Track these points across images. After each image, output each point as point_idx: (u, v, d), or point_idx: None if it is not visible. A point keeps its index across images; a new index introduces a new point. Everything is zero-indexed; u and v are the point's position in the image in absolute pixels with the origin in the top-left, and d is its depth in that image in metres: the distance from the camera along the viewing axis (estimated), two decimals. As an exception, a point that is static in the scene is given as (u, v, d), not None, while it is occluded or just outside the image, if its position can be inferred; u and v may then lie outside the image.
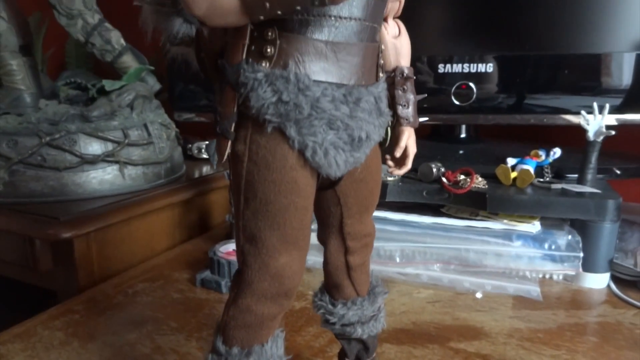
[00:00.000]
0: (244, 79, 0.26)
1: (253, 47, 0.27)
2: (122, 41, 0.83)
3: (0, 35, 0.70)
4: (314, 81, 0.26)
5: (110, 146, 0.68)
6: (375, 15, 0.28)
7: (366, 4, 0.27)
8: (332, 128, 0.27)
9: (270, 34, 0.26)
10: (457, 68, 0.77)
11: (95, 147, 0.67)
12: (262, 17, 0.25)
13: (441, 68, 0.78)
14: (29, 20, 1.12)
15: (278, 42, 0.26)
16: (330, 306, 0.35)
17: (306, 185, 0.28)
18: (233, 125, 0.27)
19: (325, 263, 0.35)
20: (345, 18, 0.26)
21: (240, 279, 0.30)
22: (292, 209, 0.28)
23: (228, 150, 0.28)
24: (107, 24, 0.82)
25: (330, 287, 0.36)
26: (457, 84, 0.78)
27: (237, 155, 0.28)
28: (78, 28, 0.80)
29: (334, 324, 0.36)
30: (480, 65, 0.77)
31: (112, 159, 0.68)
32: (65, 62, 1.39)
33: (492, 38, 0.77)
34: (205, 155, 0.93)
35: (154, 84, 0.83)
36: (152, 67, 0.83)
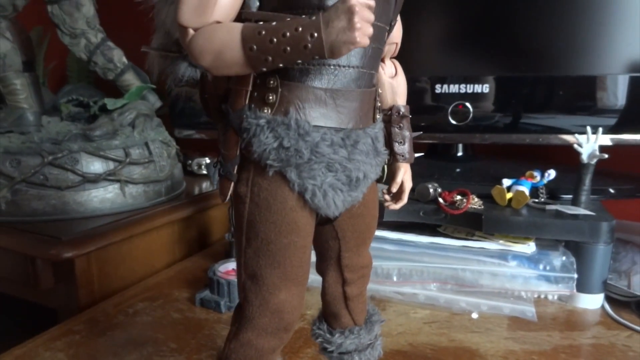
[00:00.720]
0: (246, 124, 0.28)
1: (255, 94, 0.28)
2: (124, 59, 0.84)
3: (5, 56, 0.71)
4: (314, 126, 0.28)
5: (111, 165, 0.69)
6: (372, 63, 0.29)
7: (364, 53, 0.28)
8: (330, 170, 0.28)
9: (272, 82, 0.28)
10: (453, 88, 0.79)
11: (97, 166, 0.68)
12: (264, 69, 0.26)
13: (438, 88, 0.79)
14: (30, 34, 1.14)
15: (280, 89, 0.28)
16: (328, 335, 0.36)
17: (305, 225, 0.29)
18: (236, 167, 0.29)
19: (323, 293, 0.36)
20: (343, 66, 0.28)
21: (241, 314, 0.30)
22: (292, 248, 0.29)
23: (230, 191, 0.29)
24: (110, 43, 0.84)
25: (328, 316, 0.37)
26: (454, 104, 0.79)
27: (240, 197, 0.29)
28: (81, 47, 0.81)
29: (331, 352, 0.36)
30: (476, 85, 0.78)
31: (114, 177, 0.69)
32: (66, 76, 1.40)
33: (488, 59, 0.79)
34: (205, 172, 0.94)
35: (155, 102, 0.84)
36: (154, 86, 0.84)
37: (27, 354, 0.49)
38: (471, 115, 0.79)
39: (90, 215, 0.67)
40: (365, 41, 0.24)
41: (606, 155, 0.60)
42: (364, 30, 0.24)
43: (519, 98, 0.78)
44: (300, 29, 0.25)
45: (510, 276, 0.61)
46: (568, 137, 0.76)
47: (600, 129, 0.61)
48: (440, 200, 0.65)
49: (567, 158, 0.83)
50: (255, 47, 0.25)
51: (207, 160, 0.92)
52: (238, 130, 0.28)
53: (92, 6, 0.81)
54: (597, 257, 0.59)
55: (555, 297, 0.62)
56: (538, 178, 0.66)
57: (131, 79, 0.84)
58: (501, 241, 0.63)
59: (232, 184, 0.29)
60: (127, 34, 1.05)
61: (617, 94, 0.74)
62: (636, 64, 0.72)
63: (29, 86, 0.80)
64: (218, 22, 0.26)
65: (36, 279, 0.62)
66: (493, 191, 0.65)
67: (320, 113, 0.28)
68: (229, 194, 0.29)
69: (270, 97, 0.28)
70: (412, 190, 0.69)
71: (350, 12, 0.24)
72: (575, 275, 0.59)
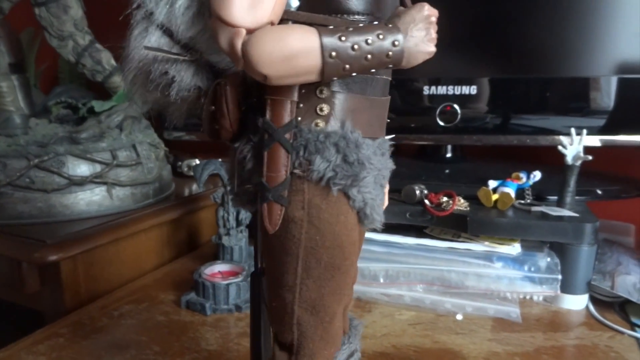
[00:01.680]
0: (302, 141, 0.25)
1: (302, 105, 0.26)
2: (113, 62, 0.84)
3: (-9, 58, 0.71)
4: (362, 138, 0.26)
5: (98, 167, 0.69)
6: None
7: None
8: (375, 182, 0.27)
9: (324, 91, 0.26)
10: (442, 90, 0.79)
11: (83, 169, 0.68)
12: (335, 78, 0.24)
13: (426, 90, 0.79)
14: (21, 35, 1.13)
15: (332, 100, 0.26)
16: None
17: (358, 242, 0.29)
18: (287, 190, 0.26)
19: None
20: (377, 75, 0.27)
21: (298, 354, 0.28)
22: (353, 269, 0.28)
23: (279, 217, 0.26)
24: (98, 45, 0.83)
25: None
26: (442, 105, 0.79)
27: (294, 222, 0.26)
28: (69, 49, 0.81)
29: None
30: (464, 87, 0.78)
31: (100, 180, 0.69)
32: (58, 77, 1.40)
33: (477, 61, 0.79)
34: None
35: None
36: (142, 88, 0.84)
37: (9, 358, 0.49)
38: (459, 116, 0.79)
39: (77, 218, 0.67)
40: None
41: (590, 157, 0.61)
42: (436, 41, 0.24)
43: (506, 99, 0.79)
44: (381, 36, 0.24)
45: (496, 277, 0.61)
46: (556, 138, 0.77)
47: (585, 131, 0.61)
48: (427, 202, 0.65)
49: (555, 159, 0.83)
50: (335, 53, 0.23)
51: (197, 162, 0.92)
52: (288, 147, 0.25)
53: (79, 8, 0.81)
54: (581, 258, 0.59)
55: (541, 298, 0.62)
56: (524, 179, 0.66)
57: (119, 81, 0.84)
58: (487, 242, 0.63)
59: (283, 209, 0.26)
60: (116, 36, 1.05)
61: (605, 95, 0.75)
62: (624, 65, 0.72)
63: (17, 88, 0.80)
64: (272, 23, 0.23)
65: (22, 282, 0.62)
66: (479, 193, 0.65)
67: (365, 123, 0.27)
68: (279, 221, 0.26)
69: (324, 109, 0.26)
70: (399, 191, 0.69)
71: (428, 22, 0.24)
72: (560, 277, 0.59)
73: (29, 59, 1.26)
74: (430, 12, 0.24)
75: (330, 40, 0.23)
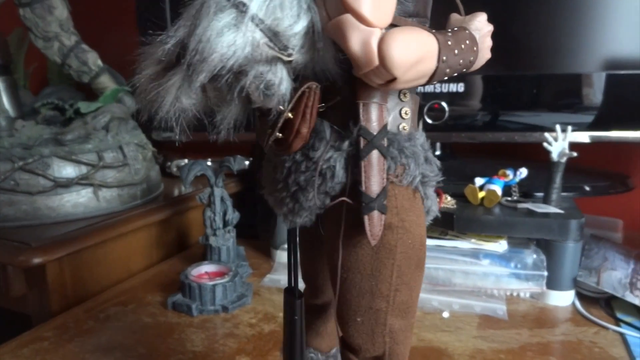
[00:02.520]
0: (397, 145, 0.25)
1: (388, 109, 0.25)
2: (99, 62, 0.84)
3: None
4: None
5: (84, 169, 0.68)
6: None
7: None
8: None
9: (406, 95, 0.26)
10: (429, 87, 0.79)
11: (69, 171, 0.67)
12: (434, 82, 0.24)
13: (414, 87, 0.79)
14: (10, 36, 1.13)
15: (410, 102, 0.26)
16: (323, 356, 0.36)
17: None
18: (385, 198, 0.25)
19: (324, 312, 0.35)
20: None
21: None
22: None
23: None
24: (84, 46, 0.83)
25: (319, 336, 0.36)
26: (430, 103, 0.79)
27: (390, 229, 0.26)
28: (54, 50, 0.81)
29: None
30: (451, 84, 0.78)
31: (86, 182, 0.68)
32: (48, 77, 1.39)
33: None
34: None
35: (131, 104, 0.84)
36: (129, 88, 0.84)
37: (-7, 362, 0.48)
38: (447, 114, 0.79)
39: (63, 220, 0.67)
40: None
41: (575, 154, 0.61)
42: None
43: (494, 97, 0.79)
44: (467, 41, 0.25)
45: (482, 274, 0.61)
46: (543, 135, 0.77)
47: (570, 128, 0.62)
48: (413, 200, 0.65)
49: (543, 155, 0.83)
50: (445, 58, 0.23)
51: (186, 162, 0.92)
52: (385, 154, 0.25)
53: (65, 9, 0.81)
54: (567, 255, 0.59)
55: (527, 295, 0.63)
56: (511, 176, 0.67)
57: (106, 82, 0.84)
58: (473, 240, 0.63)
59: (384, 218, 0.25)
60: (103, 36, 1.04)
61: (594, 91, 0.75)
62: (612, 61, 0.72)
63: (3, 91, 0.80)
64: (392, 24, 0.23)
65: (7, 286, 0.62)
66: (466, 190, 0.65)
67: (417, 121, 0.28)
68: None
69: (407, 112, 0.26)
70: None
71: (489, 34, 0.27)
72: (545, 273, 0.60)
73: (17, 59, 1.26)
74: (489, 24, 0.27)
75: (444, 45, 0.23)
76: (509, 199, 0.66)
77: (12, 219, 0.65)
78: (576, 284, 0.60)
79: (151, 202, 0.78)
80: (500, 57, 0.77)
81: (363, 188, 0.24)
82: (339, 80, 0.24)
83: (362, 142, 0.24)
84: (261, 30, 0.22)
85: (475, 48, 0.25)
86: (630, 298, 0.57)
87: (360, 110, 0.24)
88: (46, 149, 0.66)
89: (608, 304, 0.60)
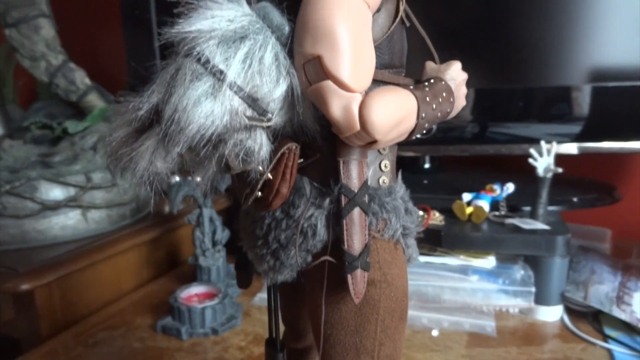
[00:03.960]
0: (377, 201, 0.25)
1: (368, 163, 0.25)
2: (87, 80, 0.84)
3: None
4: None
5: (72, 191, 0.68)
6: None
7: None
8: None
9: (385, 148, 0.26)
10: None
11: (56, 193, 0.67)
12: (414, 137, 0.25)
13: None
14: (-2, 52, 1.12)
15: (389, 155, 0.26)
16: None
17: None
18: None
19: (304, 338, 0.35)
20: None
21: None
22: None
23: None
24: (71, 64, 0.83)
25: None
26: (418, 117, 0.79)
27: (373, 285, 0.26)
28: (41, 70, 0.80)
29: None
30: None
31: (75, 204, 0.68)
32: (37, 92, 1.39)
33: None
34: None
35: (120, 122, 0.84)
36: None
37: (-20, 394, 0.48)
38: (435, 127, 0.79)
39: (52, 243, 0.66)
40: None
41: (560, 170, 0.61)
42: None
43: (482, 110, 0.79)
44: (444, 94, 0.25)
45: (471, 291, 0.62)
46: (530, 150, 0.77)
47: (554, 143, 0.62)
48: (402, 217, 0.65)
49: (532, 167, 0.84)
50: (424, 114, 0.23)
51: (176, 179, 0.92)
52: (367, 210, 0.25)
53: (51, 28, 0.80)
54: (554, 270, 0.60)
55: (516, 311, 0.63)
56: (498, 191, 0.67)
57: (94, 100, 0.83)
58: (462, 256, 0.63)
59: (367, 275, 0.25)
60: (91, 53, 1.04)
61: (581, 103, 0.75)
62: (598, 73, 0.73)
63: (-9, 110, 0.80)
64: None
65: (-4, 312, 0.62)
66: (453, 206, 0.66)
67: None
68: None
69: (386, 164, 0.26)
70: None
71: (464, 82, 0.27)
72: (533, 289, 0.60)
73: (6, 74, 1.25)
74: (464, 72, 0.27)
75: (423, 102, 0.23)
76: (497, 213, 0.66)
77: (0, 243, 0.64)
78: (564, 299, 0.61)
79: (141, 221, 0.77)
80: (487, 70, 0.78)
81: (345, 246, 0.24)
82: (319, 138, 0.24)
83: (343, 200, 0.24)
84: (240, 97, 0.21)
85: (451, 99, 0.26)
86: (617, 313, 0.57)
87: (341, 168, 0.24)
88: (33, 172, 0.66)
89: (596, 318, 0.60)
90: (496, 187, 0.67)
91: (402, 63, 0.27)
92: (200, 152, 0.22)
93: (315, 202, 0.25)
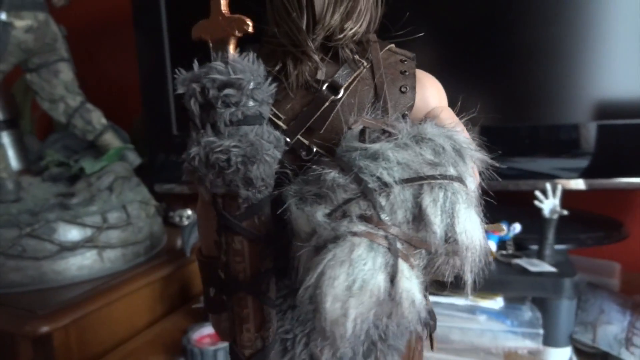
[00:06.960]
0: None
1: None
2: (103, 120, 0.87)
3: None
4: None
5: (89, 232, 0.70)
6: None
7: None
8: None
9: None
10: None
11: (74, 234, 0.69)
12: None
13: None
14: (15, 84, 1.16)
15: None
16: None
17: None
18: None
19: None
20: None
21: None
22: None
23: None
24: (89, 105, 0.86)
25: None
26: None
27: None
28: (60, 111, 0.83)
29: None
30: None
31: (91, 244, 0.70)
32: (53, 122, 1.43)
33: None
34: (186, 222, 0.95)
35: (134, 160, 0.86)
36: (132, 146, 0.86)
37: None
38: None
39: (69, 283, 0.68)
40: None
41: (566, 212, 0.62)
42: None
43: (488, 147, 0.80)
44: None
45: (479, 331, 0.62)
46: (535, 192, 0.78)
47: (560, 186, 0.63)
48: (410, 257, 0.66)
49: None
50: None
51: (189, 212, 0.94)
52: None
53: (70, 71, 0.84)
54: (561, 312, 0.60)
55: (526, 352, 0.63)
56: (505, 231, 0.68)
57: (110, 139, 0.86)
58: (470, 297, 0.64)
59: None
60: (107, 92, 1.07)
61: (586, 140, 0.76)
62: (602, 111, 0.74)
63: (10, 145, 0.83)
64: None
65: (14, 354, 0.63)
66: (461, 246, 0.67)
67: None
68: None
69: None
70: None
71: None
72: (541, 331, 0.60)
73: (24, 106, 1.29)
74: None
75: None
76: (504, 252, 0.67)
77: (19, 284, 0.66)
78: (572, 341, 0.61)
79: (154, 259, 0.79)
80: (494, 109, 0.79)
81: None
82: None
83: None
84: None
85: None
86: (626, 356, 0.57)
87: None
88: (52, 214, 0.69)
89: (605, 359, 0.61)
90: (504, 226, 0.68)
91: None
92: None
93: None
